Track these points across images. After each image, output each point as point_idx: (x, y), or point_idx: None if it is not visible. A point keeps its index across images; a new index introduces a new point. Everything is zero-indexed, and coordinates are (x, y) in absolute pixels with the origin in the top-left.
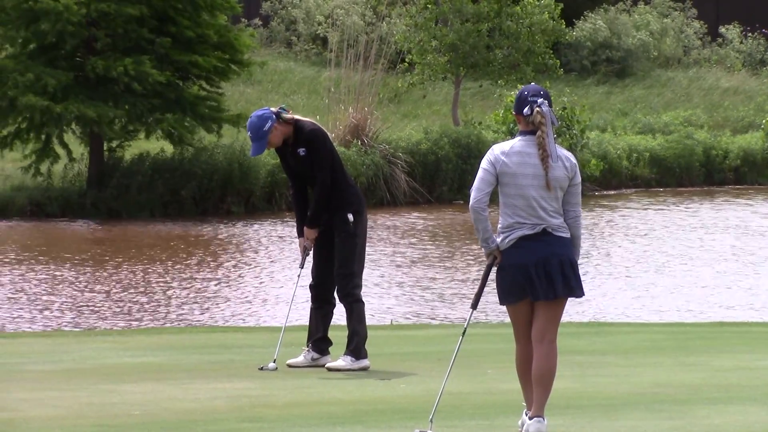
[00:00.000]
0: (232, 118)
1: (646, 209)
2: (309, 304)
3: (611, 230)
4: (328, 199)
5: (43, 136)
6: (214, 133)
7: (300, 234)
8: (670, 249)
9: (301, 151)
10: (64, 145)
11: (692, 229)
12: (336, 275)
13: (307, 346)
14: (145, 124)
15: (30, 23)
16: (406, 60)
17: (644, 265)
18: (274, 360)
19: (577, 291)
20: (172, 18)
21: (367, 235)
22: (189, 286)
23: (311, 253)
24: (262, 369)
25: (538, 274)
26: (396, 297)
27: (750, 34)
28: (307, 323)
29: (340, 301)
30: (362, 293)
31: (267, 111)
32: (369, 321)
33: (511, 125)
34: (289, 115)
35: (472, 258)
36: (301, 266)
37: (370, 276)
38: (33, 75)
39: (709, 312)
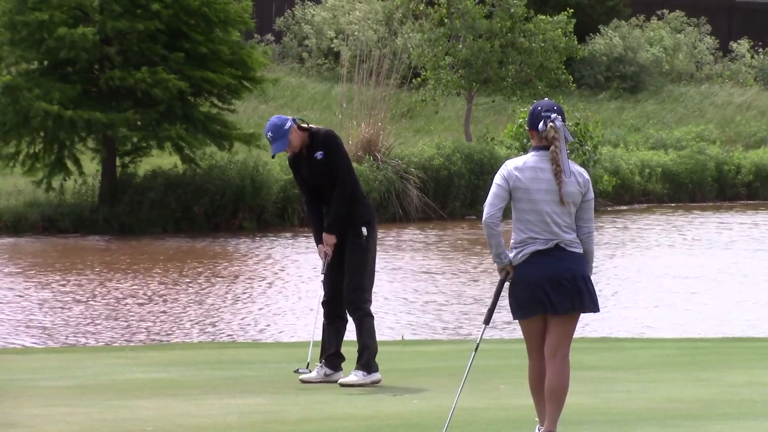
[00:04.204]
0: (244, 137)
1: (661, 223)
2: (322, 319)
3: (624, 244)
4: (348, 202)
5: (55, 150)
6: (225, 150)
7: (318, 241)
8: (685, 264)
9: (319, 154)
10: (76, 161)
11: (698, 243)
12: (346, 288)
13: (320, 362)
14: (157, 137)
15: (43, 42)
16: (420, 76)
17: (658, 279)
18: (308, 365)
19: (593, 306)
20: (185, 34)
21: (378, 250)
22: (201, 301)
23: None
24: (298, 371)
25: (552, 289)
26: (407, 312)
27: (762, 50)
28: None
29: (350, 315)
30: (372, 308)
31: (285, 116)
32: (380, 336)
33: (525, 141)
34: (303, 124)
35: (484, 273)
36: (323, 272)
37: (380, 291)
38: (42, 90)
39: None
